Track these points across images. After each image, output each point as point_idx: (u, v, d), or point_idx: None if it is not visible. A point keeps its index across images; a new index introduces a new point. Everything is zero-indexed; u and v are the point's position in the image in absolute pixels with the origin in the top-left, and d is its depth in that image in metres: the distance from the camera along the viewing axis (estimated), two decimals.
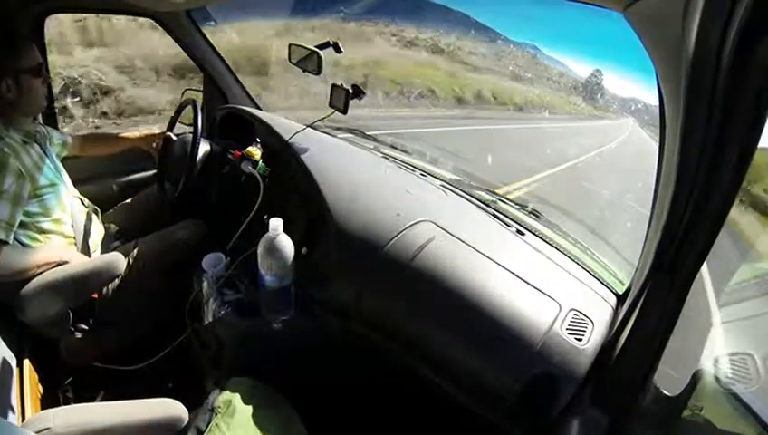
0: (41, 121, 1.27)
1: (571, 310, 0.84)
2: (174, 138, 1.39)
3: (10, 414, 0.88)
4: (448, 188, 1.29)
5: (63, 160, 1.27)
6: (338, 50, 1.24)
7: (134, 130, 1.51)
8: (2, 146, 0.99)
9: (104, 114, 4.43)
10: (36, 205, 1.08)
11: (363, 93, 1.19)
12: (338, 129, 1.70)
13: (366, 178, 1.23)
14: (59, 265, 1.09)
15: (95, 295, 1.16)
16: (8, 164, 0.99)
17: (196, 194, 1.39)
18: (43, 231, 1.10)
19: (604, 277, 0.99)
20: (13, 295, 1.04)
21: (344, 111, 1.19)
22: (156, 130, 1.47)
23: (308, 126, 1.37)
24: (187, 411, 0.85)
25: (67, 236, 1.16)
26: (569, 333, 0.80)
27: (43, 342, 1.14)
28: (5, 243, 0.98)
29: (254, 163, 1.24)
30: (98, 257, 1.16)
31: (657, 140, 0.66)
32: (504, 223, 1.13)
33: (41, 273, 1.04)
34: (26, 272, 1.02)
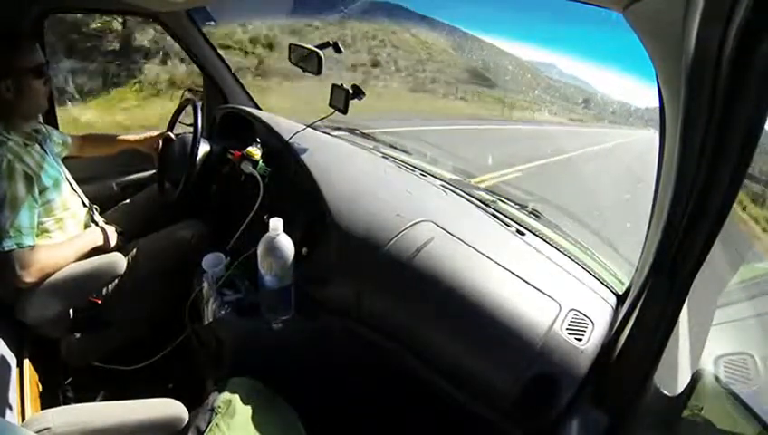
0: (41, 121, 1.27)
1: (571, 310, 0.84)
2: (174, 137, 1.39)
3: (10, 414, 0.88)
4: (448, 188, 1.29)
5: (63, 160, 1.27)
6: (338, 50, 1.24)
7: (133, 134, 1.52)
8: (5, 152, 1.00)
9: None
10: (41, 207, 1.08)
11: (363, 94, 1.19)
12: (338, 128, 1.70)
13: (366, 178, 1.23)
14: (98, 249, 1.17)
15: (95, 298, 1.16)
16: (15, 170, 1.00)
17: (196, 194, 1.39)
18: (46, 230, 1.11)
19: (604, 277, 0.99)
20: (13, 295, 1.04)
21: (344, 111, 1.20)
22: (154, 132, 1.48)
23: (308, 126, 1.37)
24: (187, 411, 0.85)
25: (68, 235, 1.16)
26: (569, 333, 0.80)
27: (43, 342, 1.14)
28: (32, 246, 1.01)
29: (254, 163, 1.24)
30: (98, 257, 1.16)
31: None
32: (504, 223, 1.13)
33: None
34: (66, 263, 1.09)
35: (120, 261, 1.16)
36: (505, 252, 0.98)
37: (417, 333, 0.88)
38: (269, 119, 1.44)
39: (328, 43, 1.23)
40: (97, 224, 1.26)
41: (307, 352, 1.05)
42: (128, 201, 1.50)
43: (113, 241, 1.25)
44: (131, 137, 1.48)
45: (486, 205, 1.23)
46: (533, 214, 1.23)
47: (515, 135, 8.85)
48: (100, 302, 1.17)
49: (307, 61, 1.26)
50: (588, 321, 0.83)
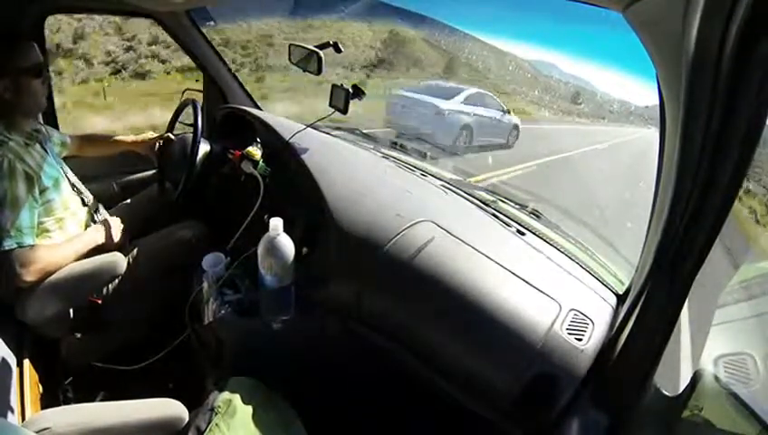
0: (41, 121, 1.27)
1: (571, 310, 0.84)
2: (174, 138, 1.40)
3: (10, 414, 0.88)
4: (448, 188, 1.29)
5: (64, 160, 1.27)
6: (338, 50, 1.24)
7: (132, 136, 1.52)
8: (5, 152, 1.00)
9: None
10: (41, 207, 1.08)
11: (363, 93, 1.19)
12: (338, 129, 1.70)
13: (366, 178, 1.23)
14: (98, 248, 1.17)
15: (95, 298, 1.16)
16: (16, 169, 1.00)
17: (196, 194, 1.39)
18: (46, 230, 1.11)
19: (604, 277, 0.99)
20: (13, 295, 1.04)
21: (344, 111, 1.19)
22: (153, 134, 1.48)
23: (308, 126, 1.37)
24: (187, 411, 0.85)
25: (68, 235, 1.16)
26: (569, 333, 0.79)
27: (43, 342, 1.14)
28: (33, 245, 1.01)
29: (254, 163, 1.24)
30: (98, 257, 1.16)
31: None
32: (504, 223, 1.13)
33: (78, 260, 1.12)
34: (66, 263, 1.09)
35: (120, 261, 1.16)
36: (506, 252, 0.98)
37: (417, 333, 0.88)
38: (269, 119, 1.44)
39: (328, 43, 1.23)
40: (97, 223, 1.26)
41: (307, 352, 1.05)
42: (128, 201, 1.50)
43: (117, 236, 1.24)
44: (130, 138, 1.48)
45: (487, 205, 1.23)
46: (534, 214, 1.23)
47: None
48: (100, 302, 1.17)
49: (307, 61, 1.26)
50: (588, 321, 0.83)
